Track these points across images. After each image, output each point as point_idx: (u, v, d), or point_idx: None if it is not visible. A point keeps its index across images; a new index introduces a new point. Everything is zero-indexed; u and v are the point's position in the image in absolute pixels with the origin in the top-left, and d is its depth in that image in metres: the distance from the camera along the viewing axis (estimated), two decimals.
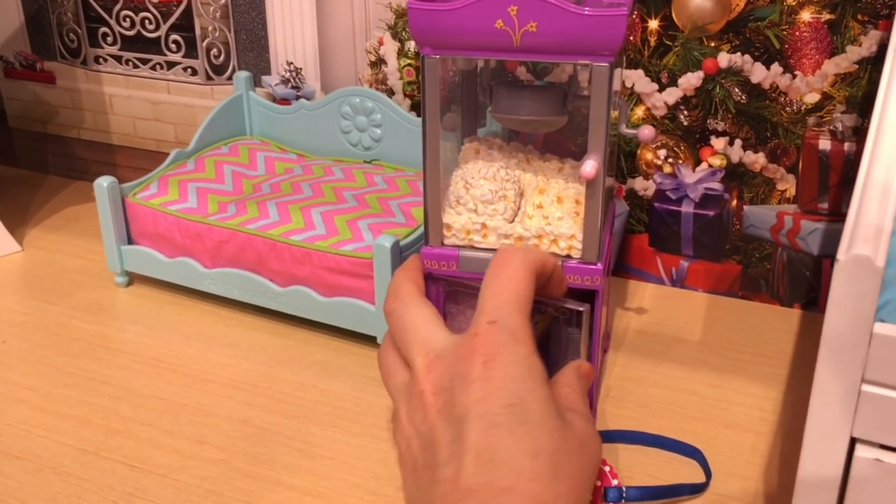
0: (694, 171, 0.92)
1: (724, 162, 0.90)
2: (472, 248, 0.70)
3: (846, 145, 0.85)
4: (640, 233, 0.97)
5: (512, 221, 0.71)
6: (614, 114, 0.70)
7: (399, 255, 0.80)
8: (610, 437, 0.72)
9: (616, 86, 0.72)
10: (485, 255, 0.70)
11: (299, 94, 1.09)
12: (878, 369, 0.44)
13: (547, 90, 0.70)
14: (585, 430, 0.50)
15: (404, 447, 0.52)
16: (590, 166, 0.63)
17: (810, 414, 0.47)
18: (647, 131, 0.68)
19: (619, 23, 0.59)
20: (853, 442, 0.46)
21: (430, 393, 0.51)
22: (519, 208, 0.72)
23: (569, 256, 0.69)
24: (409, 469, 0.50)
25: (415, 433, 0.51)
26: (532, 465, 0.46)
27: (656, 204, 0.95)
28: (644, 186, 0.95)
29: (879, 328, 0.44)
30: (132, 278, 0.98)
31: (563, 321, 0.77)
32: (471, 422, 0.47)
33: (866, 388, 0.45)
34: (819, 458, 0.47)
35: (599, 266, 0.68)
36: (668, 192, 0.94)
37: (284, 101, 1.09)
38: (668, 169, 0.93)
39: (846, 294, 0.43)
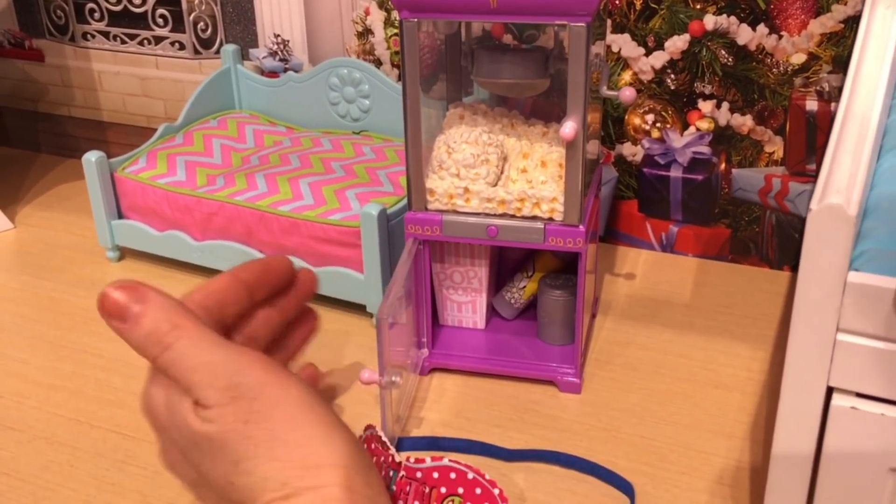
0: (682, 135, 0.92)
1: (712, 125, 0.90)
2: (456, 212, 0.70)
3: (833, 105, 0.84)
4: (630, 199, 0.97)
5: (495, 185, 0.71)
6: (596, 76, 0.70)
7: (386, 223, 0.80)
8: (544, 456, 0.67)
9: (598, 49, 0.72)
10: (468, 220, 0.70)
11: (287, 66, 1.08)
12: (852, 318, 0.44)
13: (528, 53, 0.70)
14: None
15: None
16: (568, 127, 0.63)
17: (787, 365, 0.47)
18: (627, 93, 0.68)
19: None
20: (830, 391, 0.47)
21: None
22: (502, 172, 0.72)
23: (551, 219, 0.69)
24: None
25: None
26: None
27: (645, 169, 0.95)
28: (632, 152, 0.94)
29: (853, 277, 0.44)
30: (124, 253, 0.99)
31: (548, 285, 0.77)
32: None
33: (841, 337, 0.45)
34: (797, 407, 0.47)
35: (581, 228, 0.68)
36: (656, 157, 0.94)
37: (272, 73, 1.09)
38: (656, 134, 0.93)
39: (819, 244, 0.43)
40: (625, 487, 0.63)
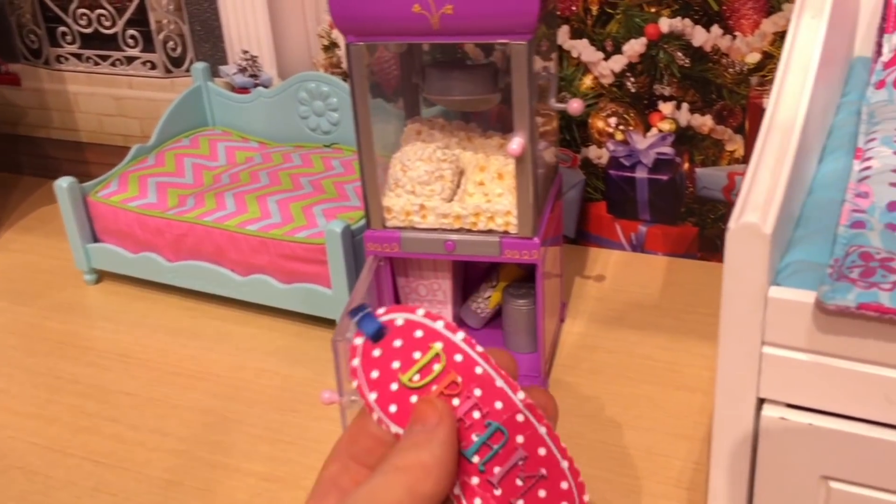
0: (645, 136, 0.92)
1: (674, 126, 0.91)
2: (413, 228, 0.71)
3: None
4: (598, 201, 0.97)
5: (451, 200, 0.72)
6: (547, 88, 0.71)
7: (351, 238, 0.82)
8: None
9: (546, 62, 0.72)
10: (426, 236, 0.71)
11: (257, 81, 1.09)
12: (776, 332, 0.45)
13: (477, 69, 0.71)
14: None
15: None
16: (515, 143, 0.64)
17: (718, 377, 0.48)
18: (575, 104, 0.68)
19: (532, 2, 0.60)
20: (761, 402, 0.48)
21: None
22: (458, 187, 0.73)
23: (506, 233, 0.70)
24: None
25: None
26: None
27: (611, 171, 0.96)
28: (598, 155, 0.95)
29: (774, 292, 0.45)
30: (101, 275, 1.00)
31: (511, 294, 0.78)
32: None
33: (767, 350, 0.46)
34: (730, 418, 0.48)
35: (536, 241, 0.69)
36: (621, 160, 0.95)
37: (244, 89, 1.10)
38: (619, 136, 0.93)
39: (738, 261, 0.44)
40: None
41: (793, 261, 0.47)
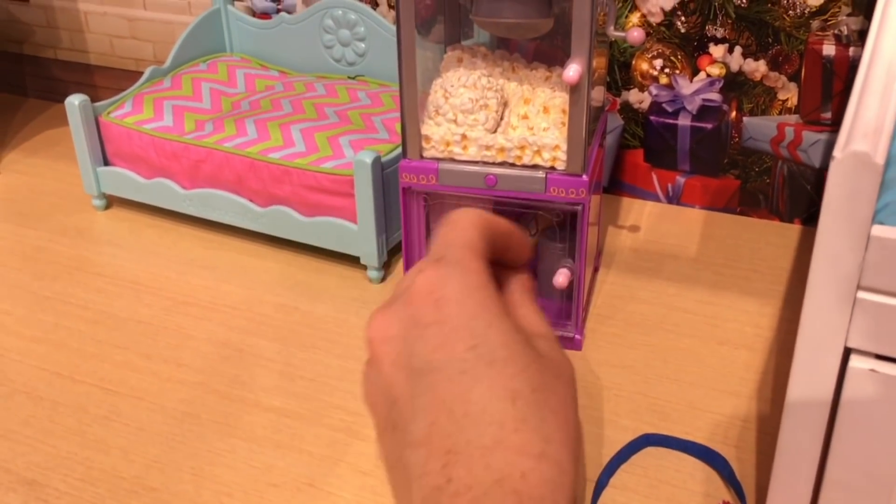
0: (691, 81, 0.88)
1: (723, 71, 0.86)
2: (452, 160, 0.67)
3: (851, 50, 0.80)
4: (635, 148, 0.93)
5: (494, 132, 0.67)
6: (602, 16, 0.66)
7: (381, 171, 0.77)
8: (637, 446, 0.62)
9: None
10: (466, 168, 0.67)
11: (280, 6, 1.04)
12: (875, 275, 0.41)
13: None
14: (555, 355, 0.45)
15: (372, 409, 0.45)
16: (572, 70, 0.60)
17: (802, 324, 0.44)
18: (636, 33, 0.64)
19: None
20: (847, 353, 0.44)
21: (379, 342, 0.45)
22: (502, 118, 0.68)
23: (553, 168, 0.66)
24: (382, 431, 0.44)
25: (376, 391, 0.44)
26: (513, 411, 0.40)
27: (652, 117, 0.91)
28: (639, 99, 0.91)
29: (878, 231, 0.41)
30: (111, 201, 0.95)
31: (549, 237, 0.74)
32: (434, 374, 0.42)
33: (862, 294, 0.42)
34: (811, 370, 0.44)
35: (584, 178, 0.65)
36: (664, 105, 0.90)
37: (264, 14, 1.04)
38: (664, 80, 0.89)
39: (842, 194, 0.40)
40: (717, 462, 0.60)
41: (892, 200, 0.43)
